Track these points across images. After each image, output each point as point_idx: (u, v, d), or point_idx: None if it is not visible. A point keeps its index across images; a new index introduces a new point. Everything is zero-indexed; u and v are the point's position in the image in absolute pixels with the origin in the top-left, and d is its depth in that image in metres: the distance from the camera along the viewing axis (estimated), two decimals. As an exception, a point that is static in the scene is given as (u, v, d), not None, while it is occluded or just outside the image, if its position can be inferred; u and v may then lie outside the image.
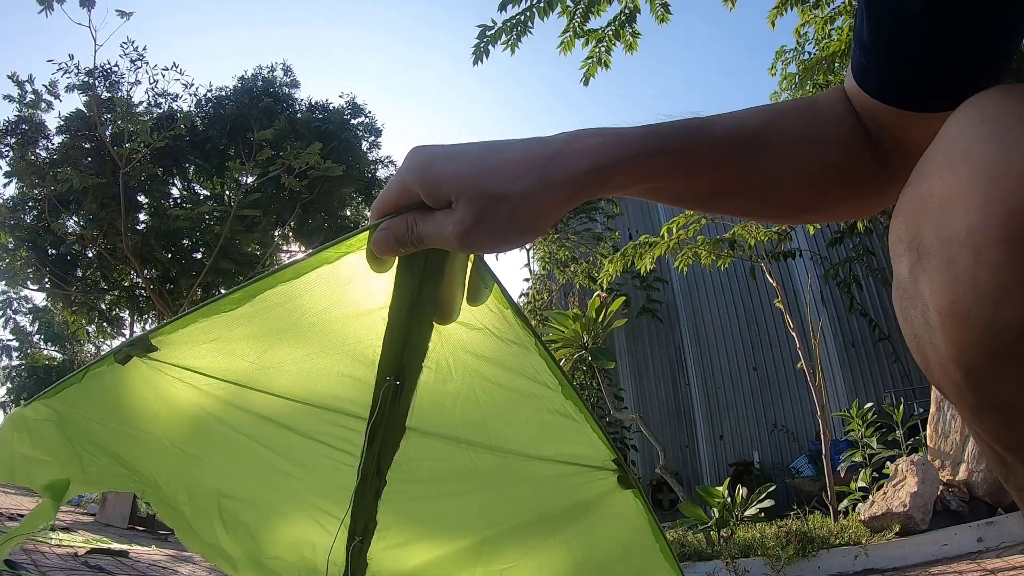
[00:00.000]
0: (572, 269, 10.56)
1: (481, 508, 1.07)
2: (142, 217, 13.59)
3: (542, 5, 3.19)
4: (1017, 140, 0.35)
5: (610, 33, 3.49)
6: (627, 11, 3.43)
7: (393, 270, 0.65)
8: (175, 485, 1.01)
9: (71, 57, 12.33)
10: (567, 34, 3.44)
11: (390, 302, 0.70)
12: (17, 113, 12.25)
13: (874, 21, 0.52)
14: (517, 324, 0.79)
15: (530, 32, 3.21)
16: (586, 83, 3.59)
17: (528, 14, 3.20)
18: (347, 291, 0.75)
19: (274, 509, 1.08)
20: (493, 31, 3.20)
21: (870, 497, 3.85)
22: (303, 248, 14.59)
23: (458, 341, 0.81)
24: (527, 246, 11.75)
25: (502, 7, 3.15)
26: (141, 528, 8.35)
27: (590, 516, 1.05)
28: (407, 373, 0.78)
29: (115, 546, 4.73)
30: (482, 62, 3.28)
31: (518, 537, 1.07)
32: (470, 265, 0.67)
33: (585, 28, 3.43)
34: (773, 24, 5.23)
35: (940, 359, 0.38)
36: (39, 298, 15.76)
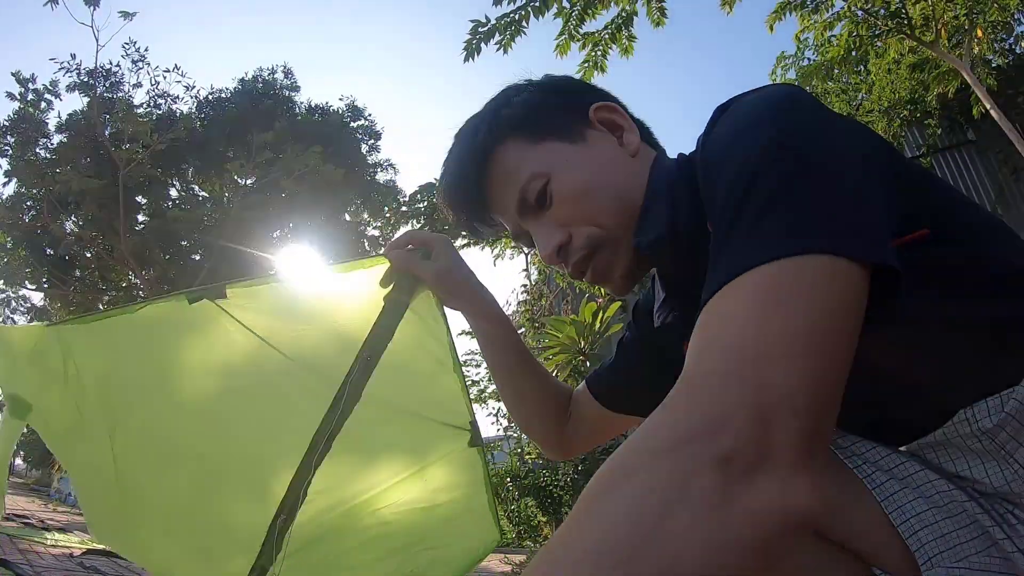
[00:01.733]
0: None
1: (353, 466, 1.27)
2: (141, 218, 13.61)
3: (537, 4, 3.17)
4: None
5: (606, 37, 3.49)
6: (624, 14, 3.43)
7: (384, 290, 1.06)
8: (144, 441, 1.07)
9: (73, 56, 12.33)
10: (563, 37, 3.44)
11: (384, 302, 1.06)
12: (17, 112, 12.26)
13: (623, 376, 1.07)
14: (441, 323, 1.16)
15: (524, 32, 3.20)
16: (583, 88, 3.58)
17: (523, 12, 3.18)
18: (364, 290, 1.08)
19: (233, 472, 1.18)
20: (486, 28, 3.18)
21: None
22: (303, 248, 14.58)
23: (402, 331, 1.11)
24: (526, 252, 11.73)
25: (497, 1, 3.13)
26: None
27: (438, 463, 1.30)
28: (376, 350, 1.07)
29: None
30: (473, 59, 3.26)
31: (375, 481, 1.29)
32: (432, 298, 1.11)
33: (581, 31, 3.43)
34: (771, 29, 5.25)
35: None
36: (37, 298, 15.77)
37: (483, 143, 0.83)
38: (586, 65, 3.52)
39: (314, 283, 1.07)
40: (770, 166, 0.54)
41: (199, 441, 1.14)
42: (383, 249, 1.08)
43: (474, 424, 1.28)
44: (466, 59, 3.23)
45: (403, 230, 12.27)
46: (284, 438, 1.17)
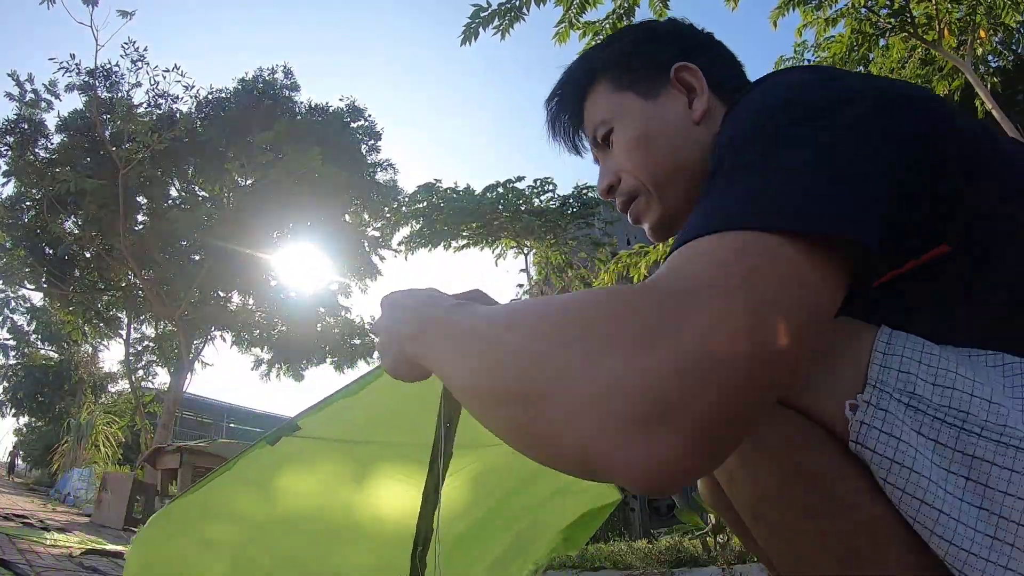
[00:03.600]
0: (569, 274, 10.55)
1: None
2: (140, 218, 13.58)
3: (537, -10, 3.16)
4: None
5: (607, 27, 3.47)
6: (626, 4, 3.41)
7: None
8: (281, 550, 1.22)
9: (72, 56, 12.31)
10: (562, 24, 3.42)
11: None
12: (16, 112, 12.24)
13: None
14: None
15: (523, 19, 3.19)
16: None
17: (523, -1, 3.17)
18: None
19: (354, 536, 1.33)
20: (487, 12, 3.16)
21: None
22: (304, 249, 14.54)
23: None
24: (526, 251, 11.75)
25: None
26: (136, 529, 8.31)
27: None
28: (453, 418, 1.12)
29: (110, 547, 4.70)
30: (470, 43, 3.27)
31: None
32: None
33: (581, 20, 3.41)
34: (775, 24, 5.24)
35: None
36: (36, 298, 15.75)
37: (582, 82, 0.94)
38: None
39: (374, 385, 1.12)
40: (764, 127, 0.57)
41: (326, 548, 1.27)
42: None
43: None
44: (463, 43, 3.26)
45: (403, 231, 12.31)
46: (399, 513, 1.28)
